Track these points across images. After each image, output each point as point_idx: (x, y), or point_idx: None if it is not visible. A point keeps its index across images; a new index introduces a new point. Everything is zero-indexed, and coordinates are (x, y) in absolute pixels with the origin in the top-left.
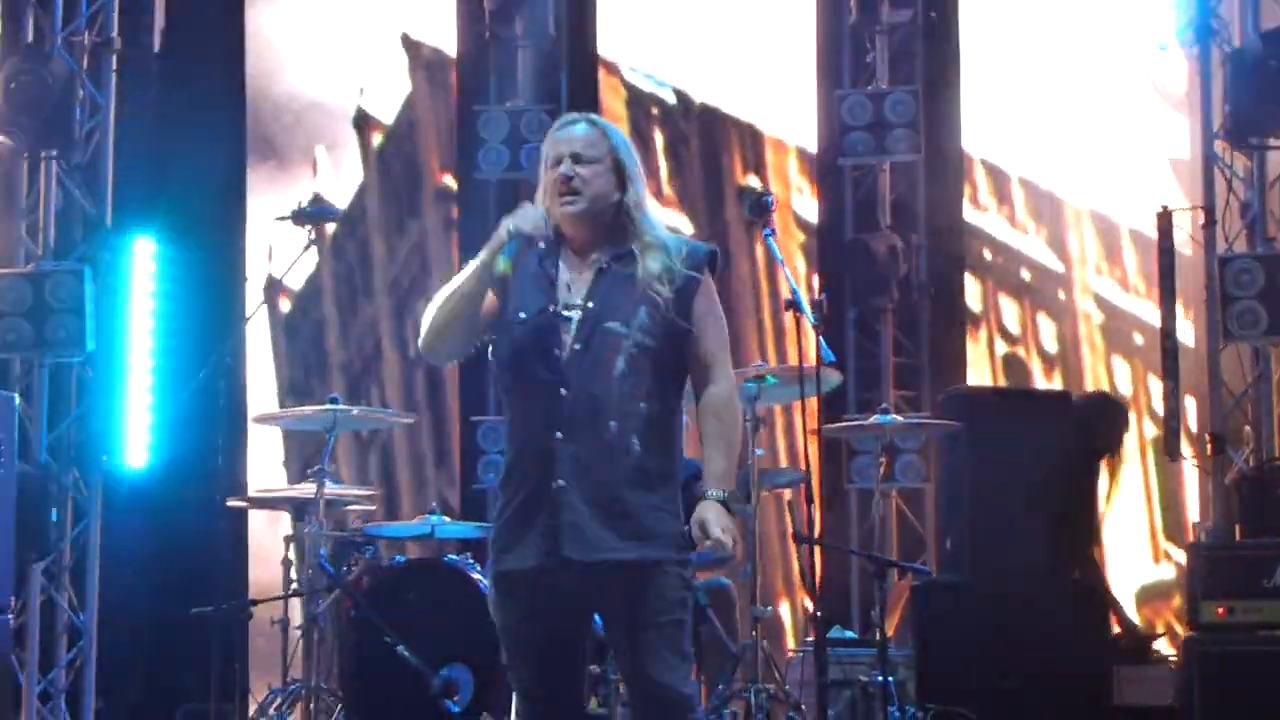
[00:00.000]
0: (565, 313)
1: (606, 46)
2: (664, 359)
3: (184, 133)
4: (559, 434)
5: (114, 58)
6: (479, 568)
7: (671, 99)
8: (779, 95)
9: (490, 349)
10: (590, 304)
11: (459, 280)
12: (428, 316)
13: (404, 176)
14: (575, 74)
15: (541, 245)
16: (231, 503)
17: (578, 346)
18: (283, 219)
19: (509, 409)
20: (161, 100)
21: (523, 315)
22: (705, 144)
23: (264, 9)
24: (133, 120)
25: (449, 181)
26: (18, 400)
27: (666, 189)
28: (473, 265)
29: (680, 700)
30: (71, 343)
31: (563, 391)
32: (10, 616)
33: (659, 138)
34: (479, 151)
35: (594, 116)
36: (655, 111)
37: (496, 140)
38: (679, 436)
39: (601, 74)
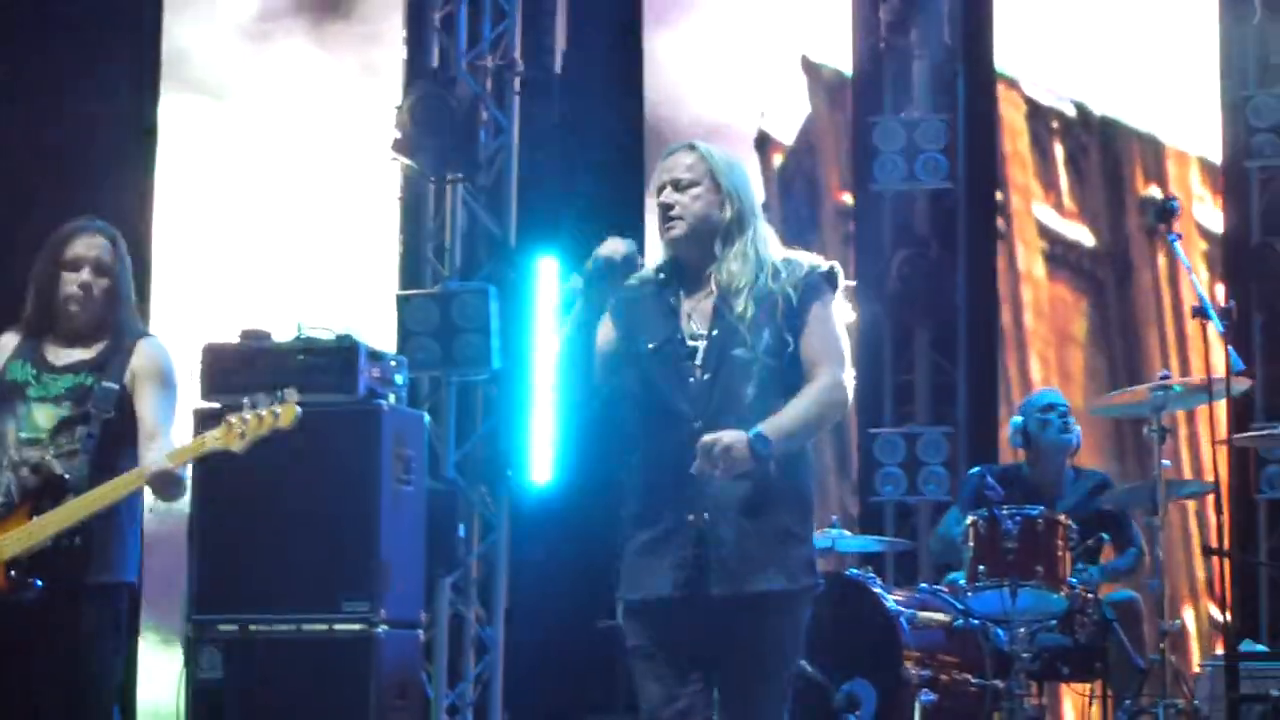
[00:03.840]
0: (690, 343)
1: (1005, 59)
2: (790, 380)
3: (585, 153)
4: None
5: (516, 80)
6: (880, 582)
7: (1071, 111)
8: (1180, 104)
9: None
10: (715, 332)
11: (570, 325)
12: (557, 362)
13: (804, 195)
14: (972, 83)
15: (661, 275)
16: None
17: (706, 377)
18: None
19: (637, 440)
20: (563, 121)
21: (650, 345)
22: (1106, 156)
23: (663, 37)
24: (535, 141)
25: (848, 199)
26: (427, 418)
27: (1068, 201)
28: (575, 312)
29: None
30: (478, 361)
31: (696, 425)
32: (421, 631)
33: (1059, 150)
34: (874, 162)
35: (697, 142)
36: (1056, 125)
37: (892, 150)
38: (810, 457)
39: (1001, 88)
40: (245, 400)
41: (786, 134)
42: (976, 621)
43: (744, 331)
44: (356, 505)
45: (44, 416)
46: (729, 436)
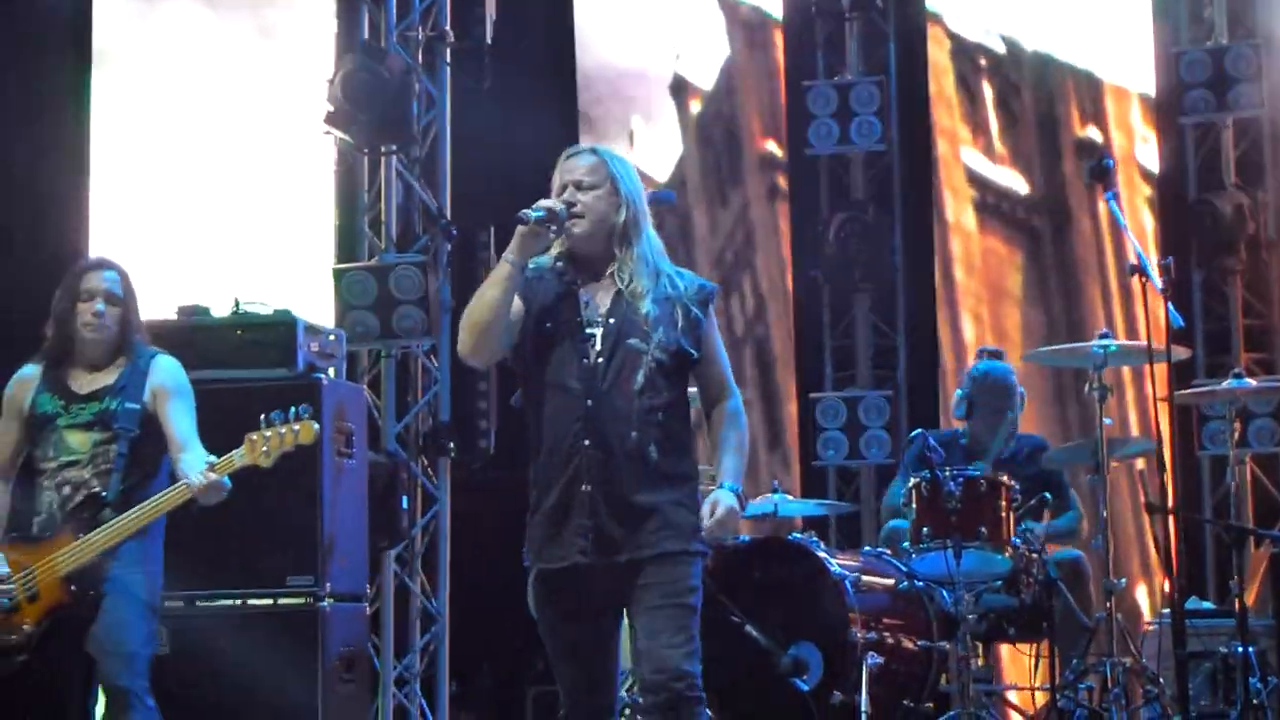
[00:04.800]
0: (588, 329)
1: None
2: (675, 374)
3: (519, 122)
4: (586, 441)
5: (448, 50)
6: (823, 546)
7: (1000, 48)
8: (1117, 38)
9: (516, 351)
10: (611, 320)
11: (491, 284)
12: (465, 321)
13: (724, 144)
14: (903, 43)
15: (560, 265)
16: None
17: (600, 360)
18: None
19: (536, 410)
20: (496, 91)
21: (549, 325)
22: (1039, 95)
23: None
24: (468, 112)
25: (772, 148)
26: (366, 391)
27: (998, 146)
28: (501, 267)
29: (680, 675)
30: (416, 333)
31: (588, 403)
32: (366, 604)
33: (988, 91)
34: (809, 127)
35: (598, 147)
36: (983, 62)
37: (826, 114)
38: (693, 442)
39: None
40: (263, 418)
41: (704, 78)
42: (921, 584)
43: (642, 326)
44: (299, 479)
45: (78, 441)
46: (721, 505)
